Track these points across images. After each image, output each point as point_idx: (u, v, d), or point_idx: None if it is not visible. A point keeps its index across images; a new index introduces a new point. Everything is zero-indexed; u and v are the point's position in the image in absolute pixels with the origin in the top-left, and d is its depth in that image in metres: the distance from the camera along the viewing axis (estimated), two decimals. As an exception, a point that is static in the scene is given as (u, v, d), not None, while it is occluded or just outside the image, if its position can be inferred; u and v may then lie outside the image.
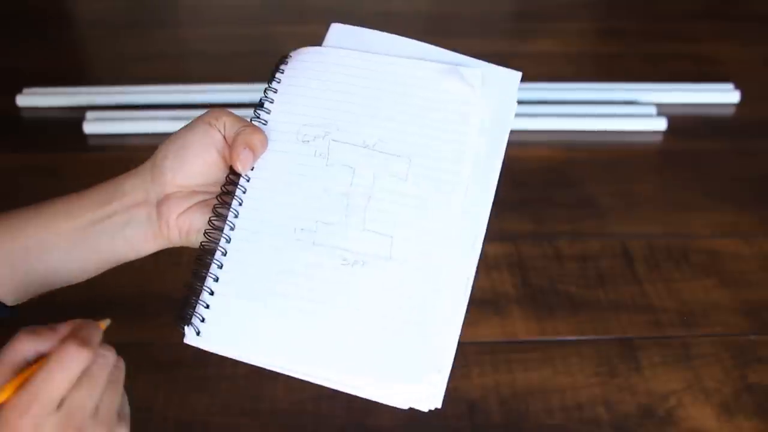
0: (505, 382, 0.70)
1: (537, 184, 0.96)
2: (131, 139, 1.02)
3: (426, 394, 0.44)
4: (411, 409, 0.44)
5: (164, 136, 0.49)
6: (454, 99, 0.51)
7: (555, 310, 0.78)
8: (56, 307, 0.76)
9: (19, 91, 1.09)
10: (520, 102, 1.05)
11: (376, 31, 0.55)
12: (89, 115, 1.04)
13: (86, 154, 1.00)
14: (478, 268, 0.86)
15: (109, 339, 0.64)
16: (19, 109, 1.08)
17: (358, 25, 0.55)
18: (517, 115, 1.04)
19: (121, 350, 0.73)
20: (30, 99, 1.08)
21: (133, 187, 0.48)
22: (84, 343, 0.38)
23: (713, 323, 0.77)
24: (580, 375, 0.71)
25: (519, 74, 0.53)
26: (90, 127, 1.03)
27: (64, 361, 0.37)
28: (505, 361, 0.72)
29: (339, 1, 1.33)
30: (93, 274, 0.50)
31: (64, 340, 0.38)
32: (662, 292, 0.80)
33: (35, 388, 0.37)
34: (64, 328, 0.39)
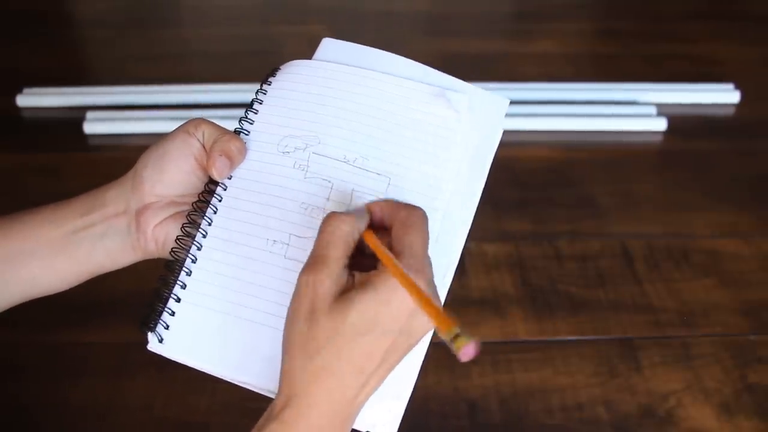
0: (505, 382, 0.71)
1: (537, 184, 0.96)
2: (131, 139, 1.02)
3: (383, 419, 0.44)
4: (408, 409, 0.44)
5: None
6: (439, 123, 0.50)
7: (555, 310, 0.78)
8: (56, 307, 0.76)
9: (19, 91, 1.09)
10: (520, 102, 1.07)
11: (367, 47, 0.54)
12: (89, 115, 1.04)
13: (86, 154, 1.00)
14: (478, 267, 0.86)
15: (109, 339, 0.64)
16: (19, 109, 1.08)
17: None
18: (518, 115, 1.05)
19: (121, 350, 0.74)
20: (30, 99, 1.08)
21: (115, 197, 0.48)
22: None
23: (713, 323, 0.77)
24: (580, 375, 0.71)
25: (507, 101, 0.52)
26: (90, 127, 1.03)
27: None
28: (505, 361, 0.72)
29: (340, 1, 1.32)
30: (72, 284, 0.49)
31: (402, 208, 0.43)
32: (662, 292, 0.80)
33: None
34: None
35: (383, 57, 0.53)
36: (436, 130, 0.50)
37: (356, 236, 0.41)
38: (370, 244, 0.41)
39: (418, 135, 0.50)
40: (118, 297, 0.75)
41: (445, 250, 0.46)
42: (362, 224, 0.42)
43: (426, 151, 0.49)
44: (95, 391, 0.68)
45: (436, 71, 0.52)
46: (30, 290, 0.48)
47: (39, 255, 0.47)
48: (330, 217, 0.41)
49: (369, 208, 0.44)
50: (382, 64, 0.53)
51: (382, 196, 0.48)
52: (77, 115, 1.04)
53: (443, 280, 0.46)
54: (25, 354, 0.72)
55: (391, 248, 0.40)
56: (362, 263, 0.41)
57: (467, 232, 0.48)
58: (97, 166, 0.96)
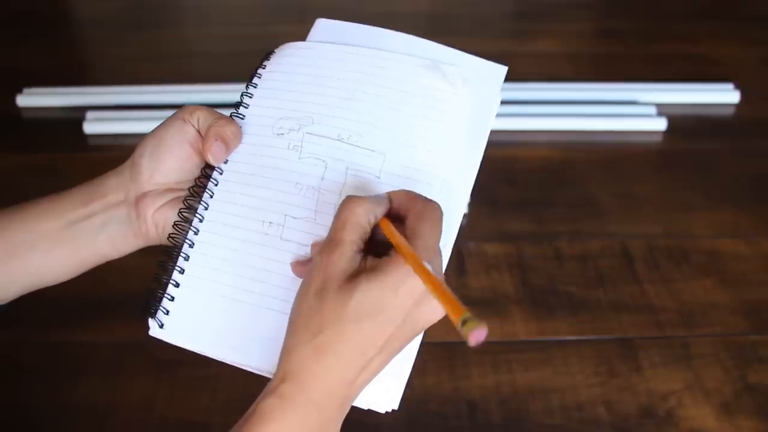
0: (505, 382, 0.70)
1: (537, 184, 0.96)
2: (131, 139, 1.02)
3: (383, 398, 0.44)
4: (408, 409, 0.44)
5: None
6: (433, 96, 0.50)
7: (555, 310, 0.78)
8: (56, 306, 0.76)
9: (19, 91, 1.09)
10: (520, 102, 1.06)
11: (361, 25, 0.54)
12: (89, 115, 1.04)
13: (86, 154, 1.00)
14: (478, 267, 0.86)
15: (109, 338, 0.64)
16: (19, 109, 1.08)
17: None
18: (517, 115, 1.05)
19: (121, 350, 0.73)
20: (30, 99, 1.08)
21: (114, 187, 0.49)
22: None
23: (713, 323, 0.77)
24: (580, 375, 0.71)
25: (504, 69, 0.51)
26: (90, 127, 1.03)
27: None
28: (505, 361, 0.72)
29: (340, 1, 1.32)
30: (75, 274, 0.50)
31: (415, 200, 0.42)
32: (662, 292, 0.80)
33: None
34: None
35: (377, 33, 0.53)
36: (430, 103, 0.49)
37: (372, 221, 0.42)
38: (385, 231, 0.41)
39: (413, 109, 0.49)
40: (118, 296, 0.75)
41: (444, 224, 0.46)
42: (380, 210, 0.42)
43: (421, 125, 0.49)
44: (95, 391, 0.68)
45: (431, 42, 0.52)
46: (33, 281, 0.49)
47: (40, 246, 0.47)
48: (347, 201, 0.42)
49: (387, 196, 0.44)
50: (376, 39, 0.53)
51: (377, 174, 0.47)
52: (77, 115, 1.04)
53: (442, 251, 0.45)
54: (25, 354, 0.72)
55: (404, 237, 0.41)
56: (377, 250, 0.42)
57: (465, 206, 0.48)
58: (97, 166, 0.95)
